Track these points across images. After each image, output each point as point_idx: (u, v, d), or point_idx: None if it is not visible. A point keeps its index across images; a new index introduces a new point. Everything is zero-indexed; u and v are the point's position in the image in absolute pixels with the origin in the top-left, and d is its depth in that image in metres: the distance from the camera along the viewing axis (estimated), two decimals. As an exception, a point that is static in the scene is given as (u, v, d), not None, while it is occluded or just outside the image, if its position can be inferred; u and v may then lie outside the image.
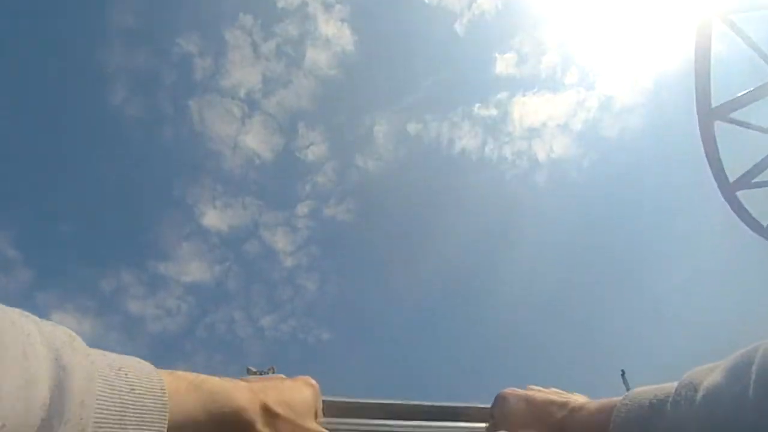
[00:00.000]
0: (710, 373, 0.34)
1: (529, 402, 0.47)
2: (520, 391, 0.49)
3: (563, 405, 0.44)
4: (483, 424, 0.50)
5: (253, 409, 0.37)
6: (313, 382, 0.46)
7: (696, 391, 0.34)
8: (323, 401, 0.46)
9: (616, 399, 0.40)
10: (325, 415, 0.46)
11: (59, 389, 0.25)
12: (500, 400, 0.50)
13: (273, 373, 0.47)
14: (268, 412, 0.38)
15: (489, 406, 0.52)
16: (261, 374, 0.47)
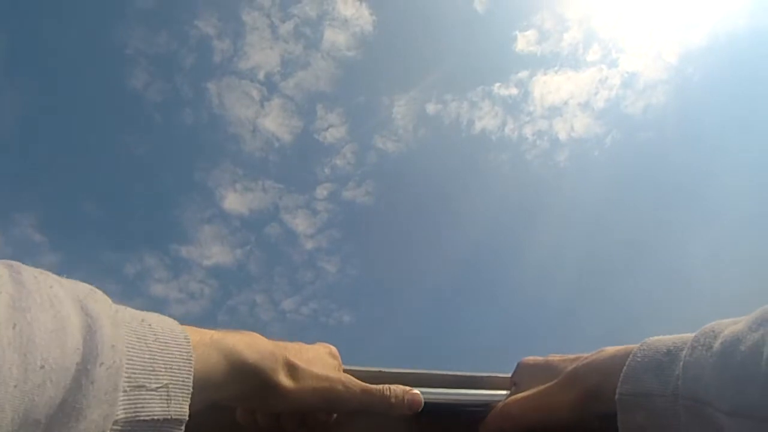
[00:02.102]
0: (733, 324, 0.34)
1: (548, 363, 0.47)
2: (540, 358, 0.49)
3: (577, 358, 0.44)
4: (504, 392, 0.50)
5: (274, 360, 0.38)
6: (333, 347, 0.46)
7: (715, 338, 0.33)
8: (344, 370, 0.47)
9: (633, 346, 0.39)
10: None
11: (89, 334, 0.25)
12: (520, 367, 0.51)
13: None
14: (288, 364, 0.39)
15: (509, 375, 0.52)
16: None
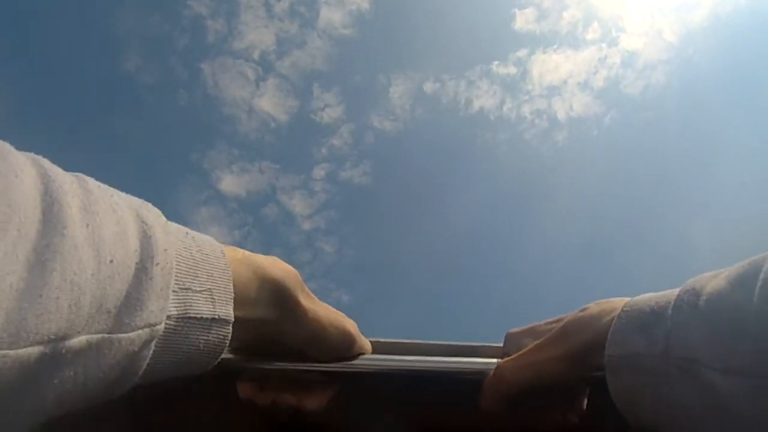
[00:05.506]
0: (713, 279, 0.34)
1: (533, 329, 0.48)
2: (525, 326, 0.50)
3: (561, 319, 0.44)
4: (496, 360, 0.51)
5: (295, 279, 0.40)
6: None
7: (698, 296, 0.33)
8: None
9: (617, 302, 0.39)
10: None
11: (145, 238, 0.28)
12: (508, 338, 0.52)
13: None
14: (304, 288, 0.41)
15: (502, 345, 0.53)
16: None
